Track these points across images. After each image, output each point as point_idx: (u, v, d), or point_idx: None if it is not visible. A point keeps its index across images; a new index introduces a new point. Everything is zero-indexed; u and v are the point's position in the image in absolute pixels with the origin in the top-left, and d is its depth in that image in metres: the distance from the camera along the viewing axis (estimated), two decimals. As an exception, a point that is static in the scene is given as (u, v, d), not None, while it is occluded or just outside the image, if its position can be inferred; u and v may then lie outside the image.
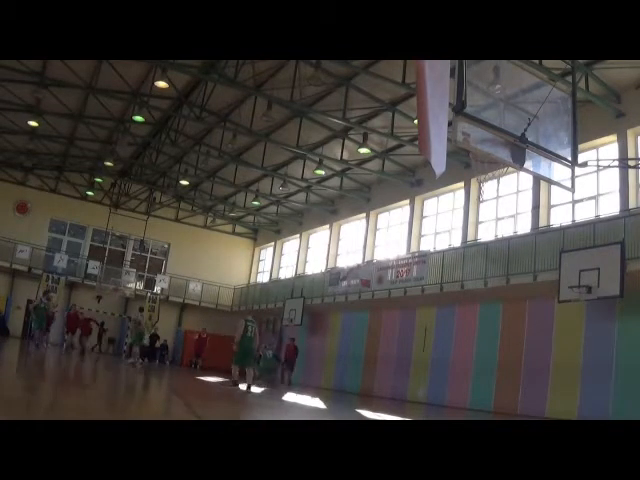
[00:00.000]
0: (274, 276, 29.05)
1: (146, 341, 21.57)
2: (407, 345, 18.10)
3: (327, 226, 25.59)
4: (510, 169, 7.27)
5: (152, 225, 27.97)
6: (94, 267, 27.14)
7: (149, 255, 30.34)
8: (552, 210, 15.77)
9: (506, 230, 16.82)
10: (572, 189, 7.49)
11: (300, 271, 26.74)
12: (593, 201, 14.69)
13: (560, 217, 15.28)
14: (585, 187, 14.35)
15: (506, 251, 14.71)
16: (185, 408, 7.12)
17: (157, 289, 28.51)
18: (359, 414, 9.70)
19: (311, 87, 15.56)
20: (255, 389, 12.14)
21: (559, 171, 7.25)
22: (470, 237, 17.79)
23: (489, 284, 14.86)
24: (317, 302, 21.87)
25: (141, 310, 20.47)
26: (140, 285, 29.07)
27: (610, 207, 13.93)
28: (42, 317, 18.45)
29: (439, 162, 5.07)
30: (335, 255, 24.98)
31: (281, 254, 29.79)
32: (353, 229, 24.45)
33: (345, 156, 19.95)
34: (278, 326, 24.97)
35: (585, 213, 14.65)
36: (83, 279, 26.78)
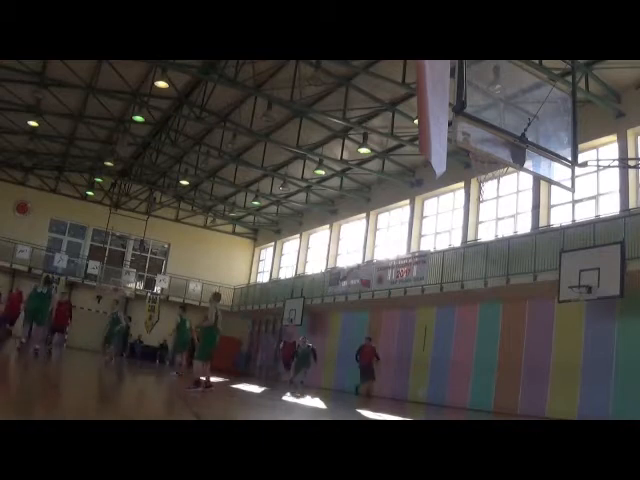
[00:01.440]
0: (274, 276, 29.05)
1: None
2: (407, 345, 18.09)
3: (327, 226, 25.58)
4: (510, 169, 7.27)
5: (152, 225, 27.98)
6: (94, 267, 27.15)
7: (149, 255, 30.34)
8: (552, 210, 15.76)
9: (506, 230, 16.81)
10: (572, 189, 7.48)
11: (300, 271, 26.74)
12: (593, 201, 14.69)
13: (560, 217, 15.27)
14: (585, 187, 14.34)
15: (506, 251, 14.70)
16: (186, 407, 7.13)
17: (157, 289, 28.52)
18: (359, 414, 9.70)
19: (311, 87, 15.56)
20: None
21: (559, 171, 7.24)
22: (470, 237, 17.79)
23: (489, 284, 14.85)
24: (317, 302, 21.86)
25: (183, 309, 16.33)
26: (140, 285, 29.08)
27: (610, 207, 13.93)
28: (45, 307, 12.20)
29: (439, 162, 5.07)
30: (335, 255, 24.97)
31: (281, 254, 29.79)
32: (353, 229, 24.45)
33: (345, 156, 19.95)
34: (278, 326, 24.97)
35: (585, 213, 14.64)
36: (83, 279, 26.78)
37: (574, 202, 14.81)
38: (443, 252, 17.20)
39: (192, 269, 28.91)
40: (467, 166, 16.55)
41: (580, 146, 7.97)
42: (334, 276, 21.58)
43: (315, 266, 25.94)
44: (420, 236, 20.46)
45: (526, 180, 16.00)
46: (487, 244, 15.84)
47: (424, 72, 4.86)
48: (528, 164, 6.73)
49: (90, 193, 27.69)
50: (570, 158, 7.15)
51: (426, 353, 17.29)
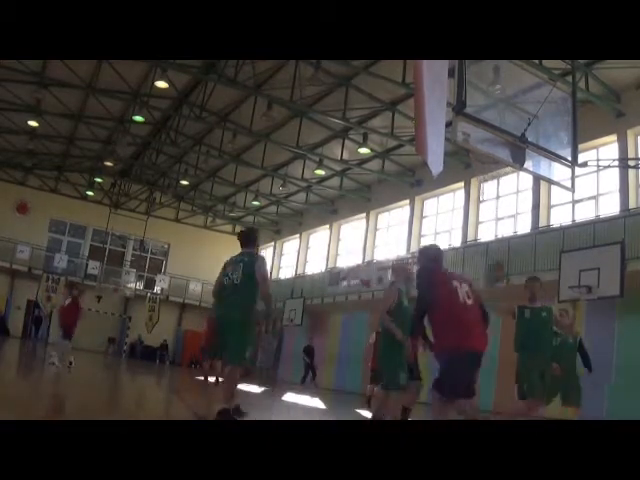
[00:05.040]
0: (274, 276, 29.04)
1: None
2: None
3: (327, 226, 25.58)
4: (510, 169, 7.27)
5: (152, 225, 27.99)
6: (94, 267, 27.17)
7: (149, 255, 30.35)
8: (552, 210, 15.76)
9: (506, 230, 16.82)
10: (572, 189, 7.48)
11: (300, 271, 26.74)
12: (593, 201, 14.69)
13: (560, 217, 15.27)
14: (585, 187, 14.35)
15: (506, 251, 14.70)
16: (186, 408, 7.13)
17: (157, 289, 28.53)
18: (359, 414, 9.70)
19: (311, 87, 15.56)
20: None
21: (559, 171, 7.23)
22: (470, 237, 17.78)
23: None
24: (317, 302, 21.86)
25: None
26: (140, 285, 29.09)
27: (610, 207, 13.93)
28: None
29: (436, 162, 5.06)
30: (335, 255, 24.97)
31: (281, 254, 29.79)
32: (353, 229, 24.45)
33: (345, 156, 19.95)
34: (278, 326, 24.96)
35: (585, 213, 14.64)
36: (83, 279, 26.77)
37: (574, 202, 14.80)
38: (443, 252, 17.19)
39: (192, 269, 28.89)
40: (467, 166, 16.57)
41: (580, 146, 7.96)
42: (334, 276, 21.59)
43: (315, 266, 25.94)
44: (420, 236, 20.46)
45: (526, 180, 16.00)
46: (487, 244, 15.84)
47: (421, 72, 4.85)
48: (528, 164, 6.73)
49: (90, 193, 27.71)
50: (570, 158, 7.14)
51: (426, 353, 17.25)
